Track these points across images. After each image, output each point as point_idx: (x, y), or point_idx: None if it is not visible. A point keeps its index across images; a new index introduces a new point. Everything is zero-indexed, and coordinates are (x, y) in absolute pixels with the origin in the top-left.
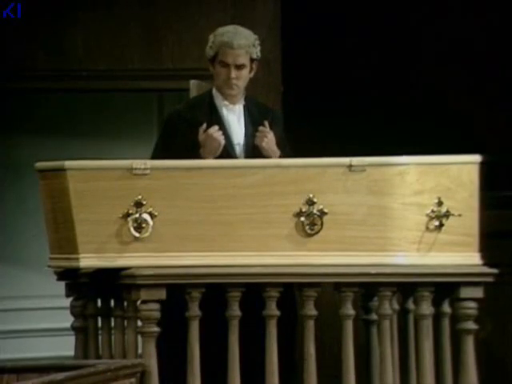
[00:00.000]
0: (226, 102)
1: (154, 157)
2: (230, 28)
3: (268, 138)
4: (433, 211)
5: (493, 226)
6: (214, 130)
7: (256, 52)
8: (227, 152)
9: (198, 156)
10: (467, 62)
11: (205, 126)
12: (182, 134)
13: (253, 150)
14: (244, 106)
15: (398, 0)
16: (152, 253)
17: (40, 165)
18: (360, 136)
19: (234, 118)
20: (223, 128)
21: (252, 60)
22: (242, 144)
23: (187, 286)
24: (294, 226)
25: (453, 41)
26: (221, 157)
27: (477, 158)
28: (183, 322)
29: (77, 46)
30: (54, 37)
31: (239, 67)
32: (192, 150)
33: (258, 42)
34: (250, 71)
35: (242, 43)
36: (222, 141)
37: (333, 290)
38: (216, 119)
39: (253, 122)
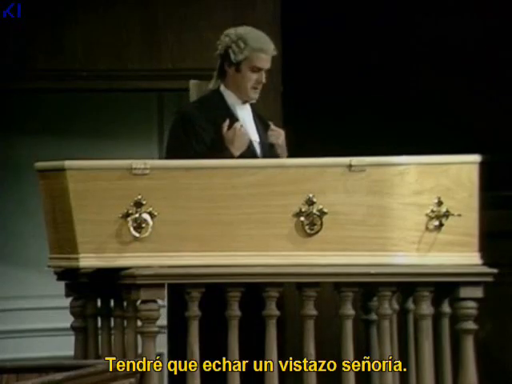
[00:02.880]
0: (238, 101)
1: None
2: (258, 32)
3: (282, 136)
4: (432, 211)
5: (493, 226)
6: (240, 126)
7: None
8: (250, 148)
9: (224, 154)
10: (467, 62)
11: (228, 121)
12: (204, 131)
13: (267, 148)
14: (250, 105)
15: (399, 1)
16: (152, 253)
17: (40, 165)
18: (360, 136)
19: (247, 115)
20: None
21: None
22: (258, 141)
23: (187, 285)
24: (294, 225)
25: (453, 41)
26: (244, 153)
27: (476, 157)
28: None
29: (77, 46)
30: (53, 37)
31: (265, 71)
32: (212, 147)
33: None
34: None
35: (273, 49)
36: (251, 136)
37: (333, 289)
38: (231, 117)
39: (259, 120)
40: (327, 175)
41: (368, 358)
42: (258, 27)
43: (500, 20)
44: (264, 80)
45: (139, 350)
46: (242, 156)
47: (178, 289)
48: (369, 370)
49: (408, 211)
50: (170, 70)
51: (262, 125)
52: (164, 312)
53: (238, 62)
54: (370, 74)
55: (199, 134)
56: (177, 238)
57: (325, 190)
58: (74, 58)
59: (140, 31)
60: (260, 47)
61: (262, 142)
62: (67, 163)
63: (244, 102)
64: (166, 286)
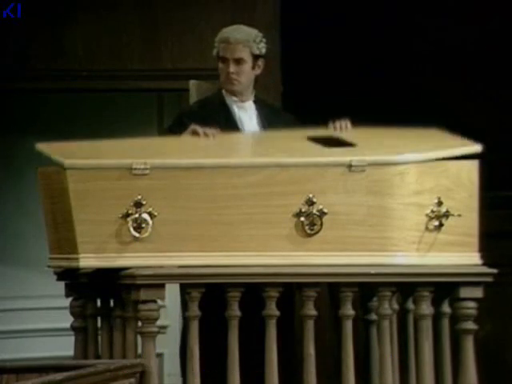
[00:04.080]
0: (235, 99)
1: None
2: (232, 26)
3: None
4: (432, 211)
5: (493, 226)
6: (207, 132)
7: (258, 48)
8: None
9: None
10: (467, 62)
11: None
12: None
13: None
14: (254, 103)
15: (399, 1)
16: (152, 253)
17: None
18: None
19: (246, 115)
20: (236, 125)
21: (256, 57)
22: None
23: (187, 285)
24: (294, 226)
25: (453, 41)
26: None
27: (476, 158)
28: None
29: (77, 46)
30: (53, 37)
31: (238, 61)
32: None
33: (260, 39)
34: (254, 68)
35: (239, 37)
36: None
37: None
38: (228, 116)
39: (266, 119)
40: (327, 175)
41: (368, 357)
42: (257, 27)
43: (499, 21)
44: (232, 70)
45: (139, 350)
46: None
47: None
48: (369, 370)
49: (408, 211)
50: (170, 70)
51: (269, 125)
52: (164, 312)
53: (216, 57)
54: (370, 74)
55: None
56: (177, 238)
57: (325, 190)
58: (74, 58)
59: (140, 31)
60: (222, 37)
61: None
62: (67, 163)
63: (242, 101)
64: (165, 285)
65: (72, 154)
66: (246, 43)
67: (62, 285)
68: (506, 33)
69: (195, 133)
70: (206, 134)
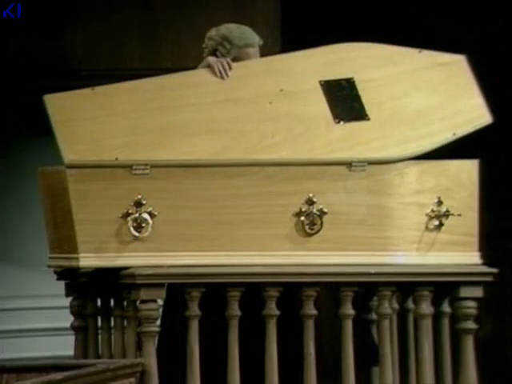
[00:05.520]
0: None
1: None
2: (240, 28)
3: None
4: (432, 211)
5: (493, 226)
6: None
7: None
8: None
9: None
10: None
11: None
12: None
13: None
14: None
15: (400, 3)
16: (152, 252)
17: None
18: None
19: None
20: None
21: None
22: None
23: (187, 285)
24: (294, 225)
25: (452, 41)
26: None
27: (476, 158)
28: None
29: (77, 46)
30: (54, 37)
31: None
32: None
33: None
34: None
35: (258, 39)
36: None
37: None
38: None
39: None
40: (327, 175)
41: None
42: (258, 26)
43: (499, 21)
44: None
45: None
46: None
47: (172, 290)
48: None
49: (408, 211)
50: (170, 70)
51: None
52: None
53: (225, 56)
54: None
55: None
56: (177, 238)
57: (325, 189)
58: (74, 57)
59: (140, 31)
60: (245, 43)
61: None
62: (67, 162)
63: None
64: (165, 285)
65: (76, 140)
66: (259, 44)
67: (61, 284)
68: (506, 33)
69: (210, 67)
70: (221, 75)
